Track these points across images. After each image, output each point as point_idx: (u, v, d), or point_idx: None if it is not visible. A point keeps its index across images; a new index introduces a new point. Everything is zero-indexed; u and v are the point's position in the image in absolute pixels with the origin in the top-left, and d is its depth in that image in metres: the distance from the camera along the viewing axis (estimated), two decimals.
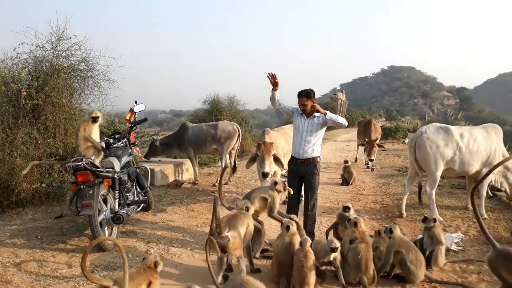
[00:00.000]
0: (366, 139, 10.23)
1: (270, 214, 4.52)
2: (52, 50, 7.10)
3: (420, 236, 4.44)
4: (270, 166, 5.51)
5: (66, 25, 7.12)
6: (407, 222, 5.70)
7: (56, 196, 6.32)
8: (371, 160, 10.13)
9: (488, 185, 6.21)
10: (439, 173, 5.62)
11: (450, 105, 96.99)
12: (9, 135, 6.39)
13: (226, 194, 7.25)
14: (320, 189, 6.24)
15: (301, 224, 4.67)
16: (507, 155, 5.88)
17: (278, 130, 6.90)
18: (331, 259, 3.57)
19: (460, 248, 4.64)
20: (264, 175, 5.46)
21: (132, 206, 5.24)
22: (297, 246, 3.68)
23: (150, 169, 6.53)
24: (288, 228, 3.86)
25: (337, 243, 3.61)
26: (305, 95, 4.64)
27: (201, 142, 8.01)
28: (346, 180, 8.60)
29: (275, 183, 4.57)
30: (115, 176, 4.87)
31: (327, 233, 4.93)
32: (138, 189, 5.59)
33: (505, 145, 6.14)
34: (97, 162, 4.67)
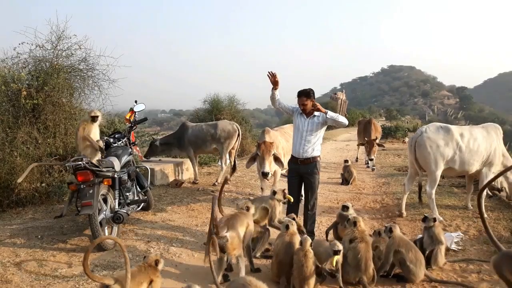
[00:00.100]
0: (366, 139, 10.22)
1: (270, 224, 4.54)
2: (52, 50, 7.11)
3: (420, 235, 4.44)
4: (270, 166, 5.51)
5: (66, 25, 7.13)
6: (407, 221, 5.70)
7: (56, 196, 6.33)
8: (371, 160, 10.12)
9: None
10: (439, 173, 5.62)
11: (450, 104, 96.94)
12: (9, 134, 6.40)
13: (226, 193, 7.25)
14: (320, 189, 6.24)
15: (301, 223, 4.68)
16: (507, 154, 5.88)
17: (278, 130, 6.90)
18: (334, 263, 3.56)
19: (460, 247, 4.64)
20: (264, 175, 5.47)
21: (132, 206, 5.24)
22: (297, 245, 3.68)
23: (150, 168, 6.53)
24: (287, 227, 3.86)
25: (339, 246, 3.59)
26: (305, 94, 4.63)
27: (201, 142, 8.01)
28: (346, 179, 8.60)
29: (274, 192, 4.57)
30: (115, 176, 4.88)
31: (327, 233, 4.94)
32: (138, 189, 5.60)
33: (505, 145, 6.14)
34: (94, 161, 4.66)
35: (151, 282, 2.98)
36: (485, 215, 5.59)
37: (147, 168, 6.25)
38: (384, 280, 3.82)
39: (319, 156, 4.80)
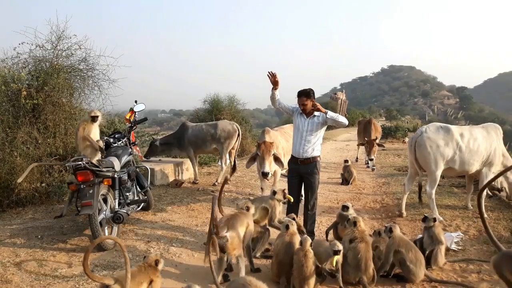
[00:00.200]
0: (366, 139, 10.22)
1: (270, 223, 4.54)
2: (52, 50, 7.11)
3: (420, 235, 4.43)
4: (270, 166, 5.51)
5: (66, 25, 7.13)
6: (407, 221, 5.70)
7: (56, 196, 6.33)
8: (371, 160, 10.11)
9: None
10: (439, 173, 5.62)
11: (450, 104, 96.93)
12: (9, 134, 6.40)
13: (226, 193, 7.24)
14: (320, 189, 6.23)
15: (301, 223, 4.68)
16: (507, 154, 5.88)
17: (278, 130, 6.90)
18: (334, 263, 3.56)
19: (460, 247, 4.64)
20: (264, 175, 5.47)
21: (132, 206, 5.24)
22: (297, 245, 3.68)
23: (150, 168, 6.53)
24: (287, 227, 3.86)
25: (339, 246, 3.58)
26: (305, 94, 4.63)
27: (201, 142, 8.01)
28: (346, 179, 8.60)
29: (274, 192, 4.57)
30: (115, 176, 4.88)
31: (327, 233, 4.94)
32: (138, 189, 5.60)
33: (505, 145, 6.14)
34: (94, 161, 4.66)
35: (151, 282, 2.98)
36: (485, 215, 5.63)
37: (147, 168, 6.25)
38: (384, 280, 3.82)
39: (319, 156, 4.80)
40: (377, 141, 10.35)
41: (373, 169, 10.46)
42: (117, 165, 5.00)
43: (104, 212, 4.63)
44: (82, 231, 5.02)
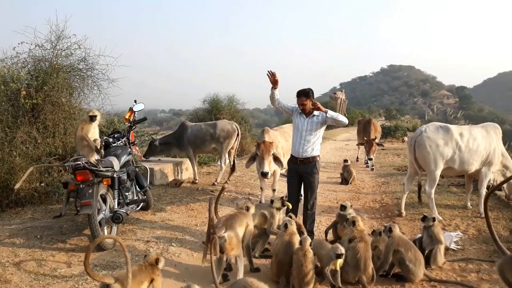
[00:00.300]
0: (366, 138, 10.23)
1: (269, 231, 4.44)
2: (52, 49, 7.11)
3: (419, 235, 4.43)
4: (269, 166, 5.50)
5: (65, 24, 7.13)
6: (407, 221, 5.71)
7: (56, 196, 6.32)
8: (370, 159, 10.12)
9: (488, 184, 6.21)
10: (438, 172, 5.62)
11: (449, 104, 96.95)
12: (9, 134, 6.40)
13: (225, 193, 7.24)
14: (320, 188, 6.23)
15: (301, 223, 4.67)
16: (506, 154, 5.89)
17: (278, 129, 6.90)
18: (338, 267, 3.55)
19: (459, 247, 4.64)
20: (264, 175, 5.46)
21: (132, 206, 5.23)
22: (296, 245, 3.68)
23: (149, 168, 6.53)
24: (286, 226, 3.86)
25: (342, 249, 3.57)
26: (304, 94, 4.64)
27: (200, 142, 8.01)
28: (345, 179, 8.61)
29: (272, 201, 4.52)
30: (115, 176, 4.87)
31: (326, 232, 4.94)
32: (138, 189, 5.59)
33: (505, 145, 6.15)
34: (92, 161, 4.62)
35: (152, 281, 2.98)
36: (479, 211, 5.65)
37: (146, 168, 6.26)
38: (383, 280, 3.82)
39: (318, 155, 4.80)
40: (377, 140, 10.36)
41: (372, 169, 10.46)
42: (116, 164, 4.99)
43: (104, 212, 4.62)
44: (81, 231, 5.02)
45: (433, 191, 5.61)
